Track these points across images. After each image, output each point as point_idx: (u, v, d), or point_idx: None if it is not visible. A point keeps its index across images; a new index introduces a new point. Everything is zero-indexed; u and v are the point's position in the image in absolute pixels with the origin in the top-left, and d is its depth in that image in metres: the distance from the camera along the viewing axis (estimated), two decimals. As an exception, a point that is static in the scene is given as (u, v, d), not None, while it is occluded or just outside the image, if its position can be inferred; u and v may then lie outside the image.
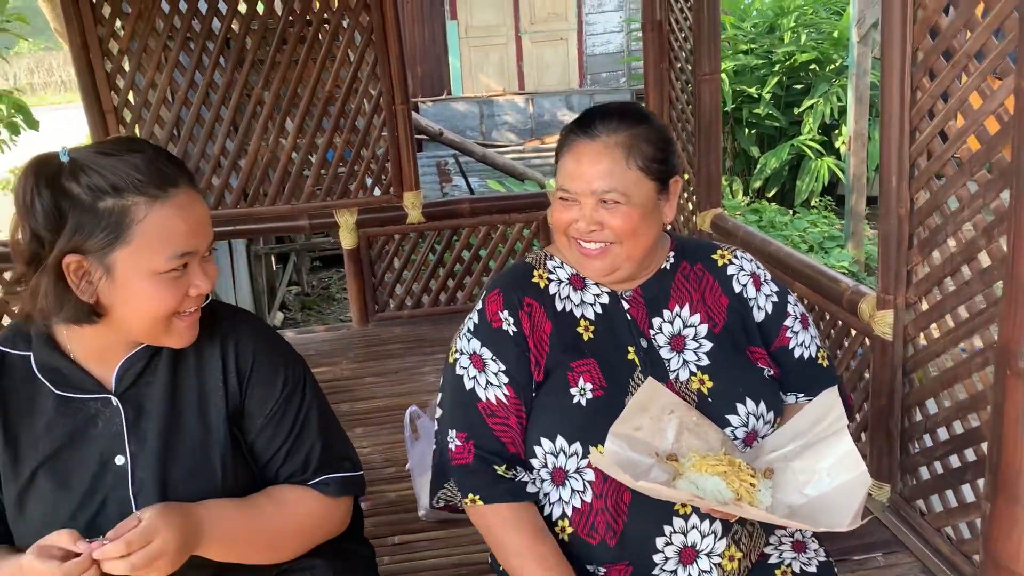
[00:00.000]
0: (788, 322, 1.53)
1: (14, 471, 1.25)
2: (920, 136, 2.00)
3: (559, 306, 1.48)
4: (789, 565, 1.44)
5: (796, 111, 7.90)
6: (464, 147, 7.99)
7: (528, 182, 7.81)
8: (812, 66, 7.93)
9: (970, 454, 1.96)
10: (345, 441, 1.45)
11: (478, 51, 10.55)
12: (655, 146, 1.44)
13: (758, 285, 1.53)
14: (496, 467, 1.42)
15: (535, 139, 9.98)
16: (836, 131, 7.75)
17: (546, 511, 1.44)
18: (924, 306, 2.08)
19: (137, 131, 3.66)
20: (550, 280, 1.50)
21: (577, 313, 1.48)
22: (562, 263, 1.52)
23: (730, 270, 1.54)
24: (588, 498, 1.39)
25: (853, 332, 2.40)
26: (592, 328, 1.47)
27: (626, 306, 1.49)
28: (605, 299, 1.50)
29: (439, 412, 1.51)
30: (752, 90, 7.93)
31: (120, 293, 1.19)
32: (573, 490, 1.41)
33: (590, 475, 1.39)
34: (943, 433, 2.05)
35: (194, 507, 1.22)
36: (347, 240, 3.78)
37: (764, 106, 7.85)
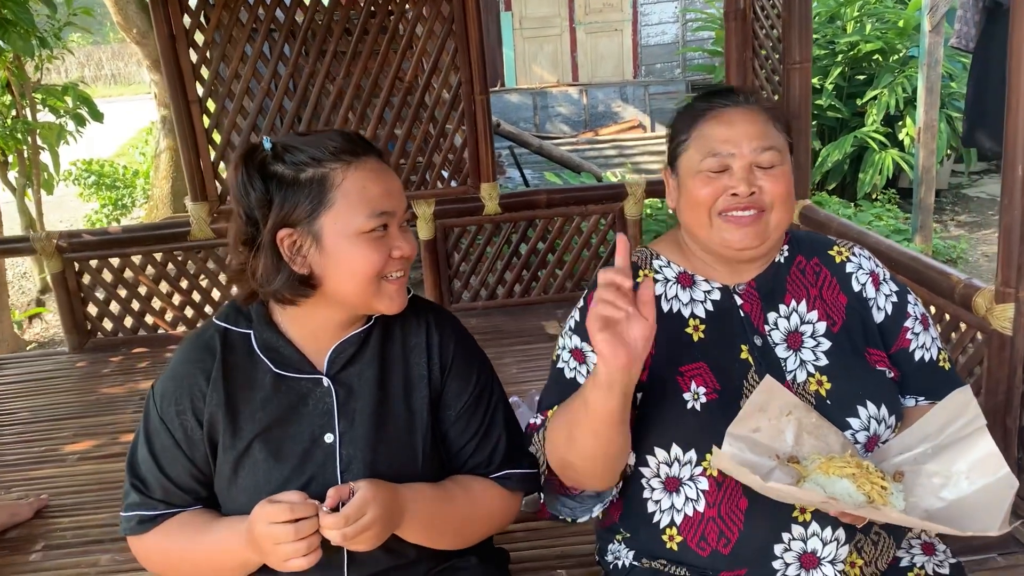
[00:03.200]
0: (908, 323, 1.47)
1: (233, 440, 1.33)
2: (1052, 124, 1.93)
3: (666, 307, 1.44)
4: (922, 567, 1.41)
5: (859, 102, 7.74)
6: (521, 138, 7.97)
7: (584, 174, 7.76)
8: (876, 56, 7.77)
9: (1102, 453, 1.90)
10: (524, 439, 1.48)
11: (532, 42, 10.51)
12: (784, 120, 1.44)
13: (877, 284, 1.48)
14: None
15: (589, 131, 9.92)
16: (900, 123, 7.59)
17: (655, 518, 1.41)
18: (1050, 300, 2.01)
19: (221, 121, 3.70)
20: (656, 280, 1.46)
21: (686, 312, 1.44)
22: (669, 262, 1.48)
23: (848, 268, 1.48)
24: (701, 507, 1.36)
25: (963, 326, 2.34)
26: (703, 328, 1.42)
27: (739, 301, 1.44)
28: (716, 295, 1.45)
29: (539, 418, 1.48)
30: (814, 81, 7.78)
31: (330, 259, 1.28)
32: (687, 498, 1.37)
33: (704, 484, 1.35)
34: (1069, 431, 1.99)
35: (399, 487, 1.29)
36: (424, 231, 3.79)
37: (826, 97, 7.71)
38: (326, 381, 1.36)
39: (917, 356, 1.47)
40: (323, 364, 1.36)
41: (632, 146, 9.31)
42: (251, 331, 1.37)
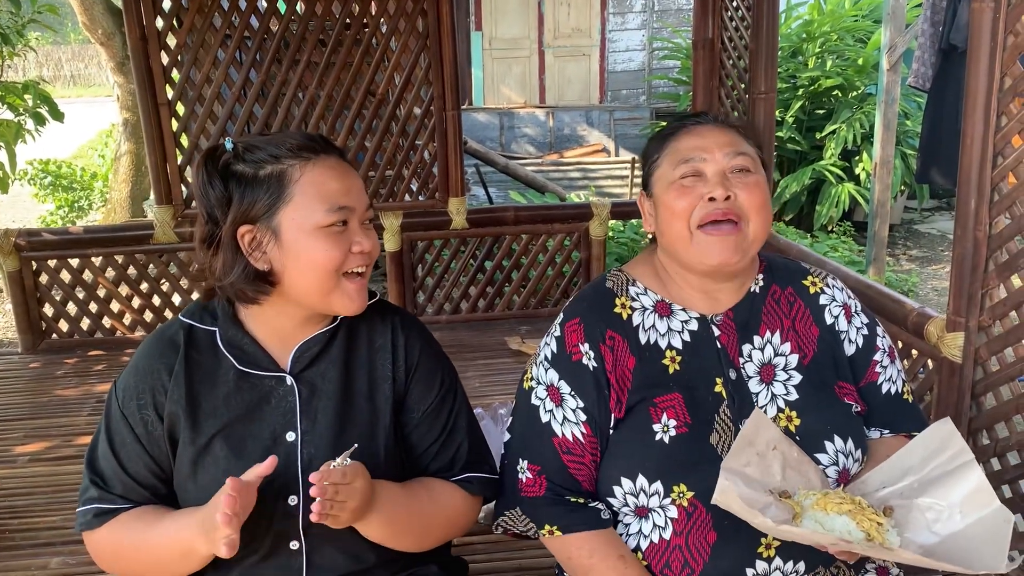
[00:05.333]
0: (878, 356, 1.48)
1: (193, 435, 1.33)
2: (1004, 161, 2.02)
3: (643, 338, 1.42)
4: None
5: (818, 136, 7.93)
6: (487, 157, 8.01)
7: (549, 195, 7.82)
8: (835, 92, 7.98)
9: (1044, 478, 1.98)
10: (486, 445, 1.50)
11: (501, 63, 10.59)
12: (755, 138, 1.46)
13: (849, 317, 1.48)
14: (570, 498, 1.39)
15: (554, 153, 10.01)
16: (856, 157, 7.79)
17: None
18: (998, 329, 2.09)
19: (190, 125, 3.68)
20: (633, 309, 1.44)
21: (663, 344, 1.42)
22: (646, 289, 1.46)
23: (822, 299, 1.49)
24: (667, 535, 1.35)
25: (915, 353, 2.42)
26: (679, 359, 1.41)
27: (716, 332, 1.43)
28: (694, 325, 1.43)
29: (507, 436, 1.48)
30: (776, 113, 7.97)
31: (289, 254, 1.29)
32: (655, 525, 1.37)
33: (673, 512, 1.35)
34: (1014, 457, 2.06)
35: (373, 482, 1.28)
36: (390, 243, 3.80)
37: (787, 130, 7.89)
38: (289, 379, 1.36)
39: (884, 389, 1.48)
40: (287, 362, 1.37)
41: (596, 169, 9.41)
42: (216, 328, 1.37)
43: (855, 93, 7.98)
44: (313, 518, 1.18)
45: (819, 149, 7.95)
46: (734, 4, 3.48)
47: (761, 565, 1.33)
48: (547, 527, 1.38)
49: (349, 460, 1.21)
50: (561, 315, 1.47)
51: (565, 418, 1.39)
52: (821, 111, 8.11)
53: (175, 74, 3.63)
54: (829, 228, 7.89)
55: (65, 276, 3.70)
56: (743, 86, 3.47)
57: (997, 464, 2.12)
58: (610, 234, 6.35)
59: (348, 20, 3.63)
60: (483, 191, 8.21)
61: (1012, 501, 2.06)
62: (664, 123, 9.50)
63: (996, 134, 2.02)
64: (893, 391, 1.49)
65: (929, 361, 2.32)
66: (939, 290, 6.71)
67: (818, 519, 1.24)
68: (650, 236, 1.53)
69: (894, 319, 2.47)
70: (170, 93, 3.60)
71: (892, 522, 1.27)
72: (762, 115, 3.34)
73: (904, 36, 6.13)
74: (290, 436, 1.34)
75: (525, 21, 10.54)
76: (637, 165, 9.25)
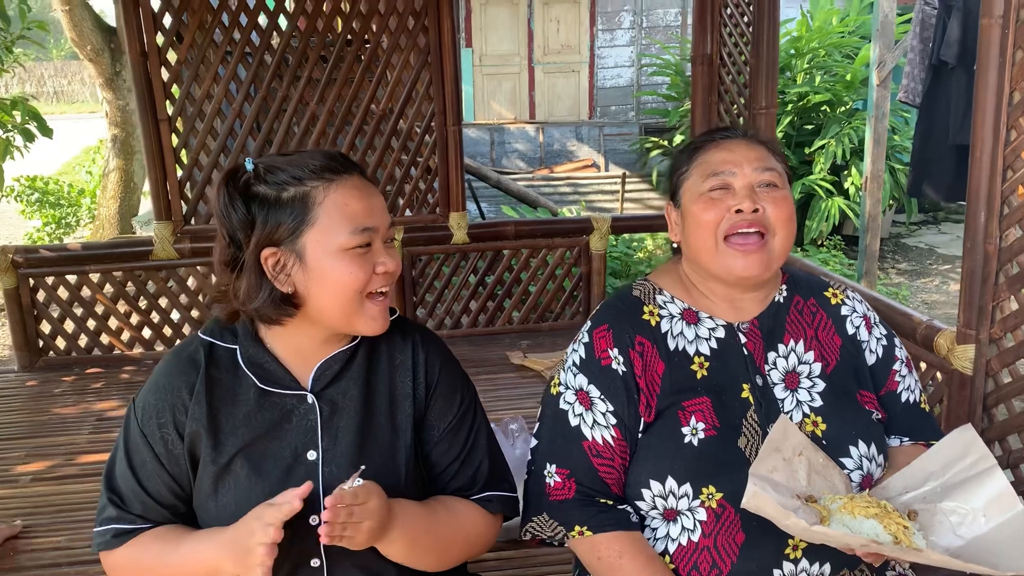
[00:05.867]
0: (896, 366, 1.51)
1: (214, 455, 1.31)
2: (1014, 175, 2.04)
3: (672, 344, 1.44)
4: None
5: (807, 151, 8.01)
6: (479, 172, 8.03)
7: (541, 210, 7.84)
8: (824, 107, 8.07)
9: (1058, 489, 1.99)
10: (505, 463, 1.48)
11: (491, 79, 10.64)
12: (781, 154, 1.49)
13: (870, 328, 1.52)
14: (600, 499, 1.40)
15: (544, 168, 10.05)
16: (845, 172, 7.87)
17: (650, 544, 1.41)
18: (1010, 342, 2.11)
19: (190, 141, 3.66)
20: (661, 317, 1.46)
21: (691, 350, 1.44)
22: (673, 297, 1.48)
23: (844, 311, 1.52)
24: (696, 537, 1.36)
25: (924, 366, 2.43)
26: (707, 365, 1.43)
27: (743, 339, 1.45)
28: (721, 332, 1.46)
29: (534, 442, 1.48)
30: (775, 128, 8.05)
31: (314, 276, 1.28)
32: (683, 527, 1.37)
33: (702, 515, 1.36)
34: (1027, 468, 2.08)
35: (390, 501, 1.27)
36: (391, 258, 3.78)
37: (776, 145, 7.96)
38: (310, 398, 1.34)
39: (904, 398, 1.51)
40: (308, 381, 1.36)
41: (586, 184, 9.45)
42: (237, 346, 1.36)
43: (843, 108, 8.07)
44: (323, 540, 1.17)
45: (808, 164, 8.04)
46: (733, 20, 3.51)
47: (788, 567, 1.34)
48: (577, 528, 1.39)
49: (360, 480, 1.21)
50: (588, 323, 1.49)
51: (595, 422, 1.40)
52: (810, 126, 8.20)
53: (175, 89, 3.62)
54: (819, 242, 7.96)
55: (63, 293, 3.66)
56: (743, 101, 3.50)
57: (1011, 475, 2.13)
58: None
59: (350, 36, 3.64)
60: (475, 206, 8.22)
61: (1026, 512, 2.07)
62: (653, 138, 9.53)
63: (1006, 148, 2.05)
64: (912, 400, 1.52)
65: (938, 373, 2.34)
66: (929, 303, 6.77)
67: (845, 523, 1.25)
68: (674, 246, 1.55)
69: (902, 332, 2.48)
70: (170, 109, 3.58)
71: (917, 526, 1.29)
72: (763, 130, 3.37)
73: (894, 52, 6.21)
74: (311, 455, 1.32)
75: (515, 38, 10.60)
76: (628, 180, 9.30)
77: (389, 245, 1.35)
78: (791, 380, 1.44)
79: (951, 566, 1.20)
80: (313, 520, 1.30)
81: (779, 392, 1.43)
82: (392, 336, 1.41)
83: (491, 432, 1.49)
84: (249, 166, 1.30)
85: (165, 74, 3.55)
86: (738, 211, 1.38)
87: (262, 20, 3.61)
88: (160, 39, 3.53)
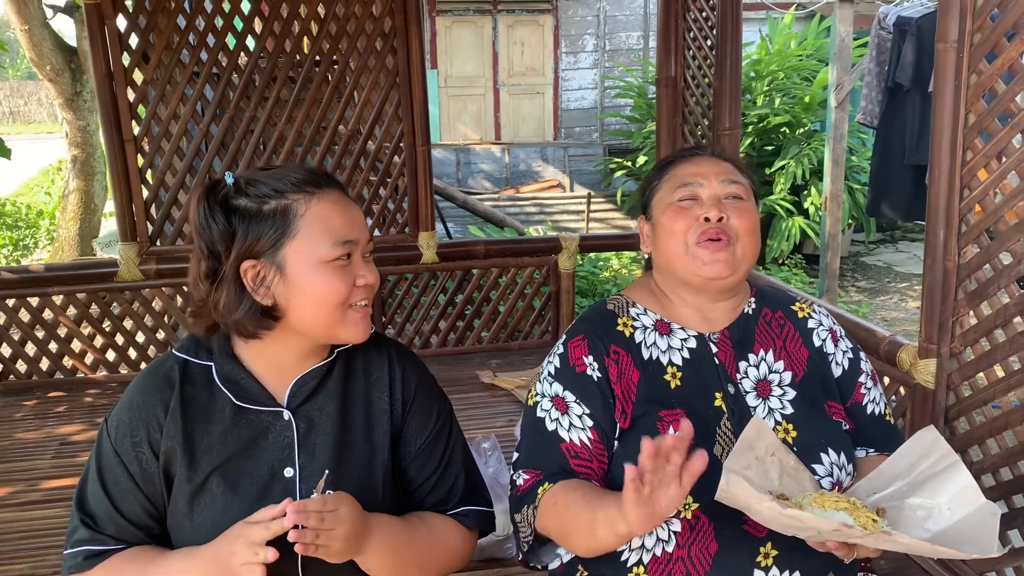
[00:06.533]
0: (862, 378, 1.55)
1: (189, 473, 1.30)
2: (971, 193, 2.11)
3: (646, 354, 1.47)
4: None
5: (767, 171, 8.16)
6: (446, 192, 8.05)
7: (507, 229, 7.87)
8: (784, 129, 8.23)
9: (1020, 500, 2.04)
10: (481, 478, 1.50)
11: (456, 100, 10.70)
12: (748, 172, 1.55)
13: (835, 340, 1.56)
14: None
15: (510, 188, 10.10)
16: (805, 192, 8.02)
17: (623, 556, 1.42)
18: (970, 356, 2.17)
19: (156, 161, 3.63)
20: (635, 328, 1.50)
21: (664, 360, 1.47)
22: (646, 310, 1.53)
23: (810, 323, 1.56)
24: (670, 548, 1.38)
25: (887, 380, 2.49)
26: (679, 375, 1.46)
27: (714, 349, 1.49)
28: (693, 343, 1.49)
29: (515, 456, 1.49)
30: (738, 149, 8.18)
31: (294, 289, 1.28)
32: (658, 538, 1.39)
33: (676, 525, 1.38)
34: (988, 480, 2.12)
35: (366, 513, 1.27)
36: (360, 278, 3.78)
37: (738, 165, 8.09)
38: (287, 414, 1.34)
39: (869, 410, 1.55)
40: (284, 397, 1.35)
41: (552, 204, 9.51)
42: (212, 363, 1.35)
43: (802, 129, 8.24)
44: (298, 550, 1.16)
45: (769, 184, 8.18)
46: (696, 44, 3.58)
47: (759, 574, 1.36)
48: (539, 490, 1.38)
49: (330, 491, 1.21)
50: (563, 336, 1.51)
51: (572, 424, 1.42)
52: (770, 147, 8.36)
53: (141, 110, 3.59)
54: (780, 261, 8.09)
55: (23, 315, 3.60)
56: (706, 122, 3.57)
57: (972, 486, 2.18)
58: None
59: (318, 57, 3.64)
60: (442, 226, 8.23)
61: (988, 522, 2.12)
62: (617, 159, 9.59)
63: (963, 168, 2.11)
64: (877, 412, 1.56)
65: (901, 388, 2.39)
66: (888, 320, 6.91)
67: (817, 515, 1.26)
68: (645, 257, 1.60)
69: (866, 347, 2.52)
70: (136, 129, 3.55)
71: (886, 521, 1.32)
72: (728, 150, 3.43)
73: (851, 75, 6.37)
74: (288, 472, 1.32)
75: (480, 60, 10.69)
76: (593, 200, 9.38)
77: (368, 259, 1.36)
78: (763, 388, 1.48)
79: (919, 550, 1.23)
80: (291, 537, 1.30)
81: (751, 400, 1.46)
82: (368, 351, 1.42)
83: (467, 447, 1.50)
84: (229, 180, 1.31)
85: (131, 94, 3.52)
86: (706, 219, 1.45)
87: (230, 40, 3.60)
88: (126, 59, 3.50)
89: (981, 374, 2.14)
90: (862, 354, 1.59)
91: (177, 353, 1.37)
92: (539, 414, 1.45)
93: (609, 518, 1.21)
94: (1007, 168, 1.99)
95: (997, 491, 2.09)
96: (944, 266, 2.19)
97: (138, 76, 3.57)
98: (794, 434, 1.44)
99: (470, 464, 1.48)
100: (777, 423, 1.44)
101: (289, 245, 1.27)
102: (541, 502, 1.37)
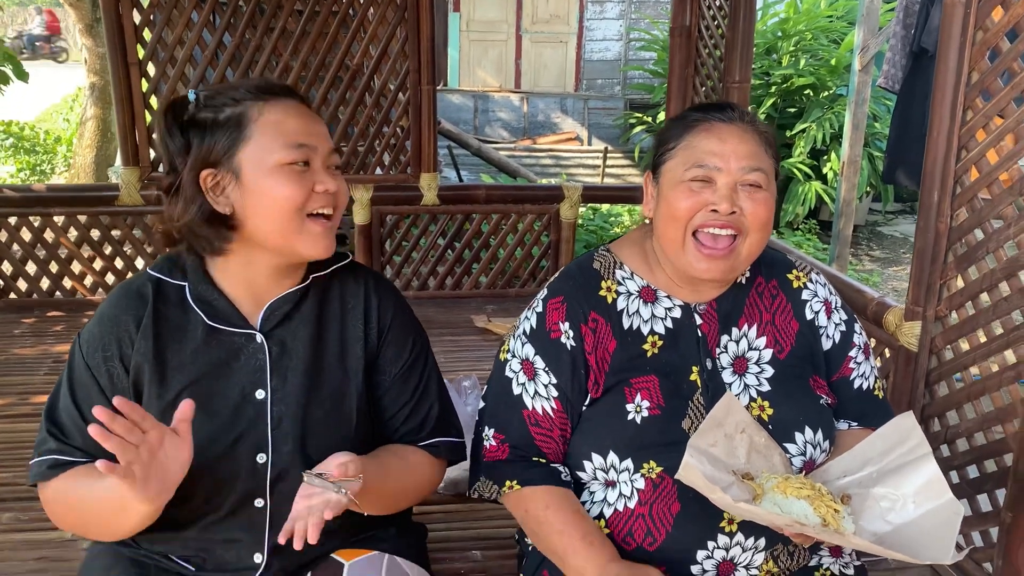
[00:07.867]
0: (852, 352, 1.51)
1: (160, 390, 1.31)
2: (967, 155, 2.06)
3: (626, 323, 1.43)
4: (828, 569, 1.46)
5: (788, 134, 8.03)
6: (461, 139, 7.99)
7: (520, 180, 7.84)
8: (807, 91, 8.08)
9: (990, 465, 2.03)
10: (454, 410, 1.51)
11: (477, 45, 10.57)
12: (774, 146, 1.42)
13: (829, 313, 1.51)
14: (532, 458, 1.42)
15: (527, 138, 10.02)
16: (825, 157, 7.90)
17: (586, 508, 1.42)
18: (955, 319, 2.14)
19: (160, 87, 3.62)
20: (619, 294, 1.44)
21: (645, 329, 1.43)
22: (632, 273, 1.46)
23: (804, 295, 1.51)
24: (632, 504, 1.38)
25: (873, 342, 2.47)
26: (660, 344, 1.42)
27: (698, 320, 1.44)
28: (677, 313, 1.44)
29: (482, 404, 1.50)
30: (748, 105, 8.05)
31: (251, 194, 1.27)
32: (620, 494, 1.39)
33: (640, 483, 1.37)
34: (963, 444, 2.11)
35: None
36: (360, 216, 3.78)
37: (758, 126, 7.97)
38: (259, 337, 1.35)
39: (856, 384, 1.52)
40: (257, 320, 1.36)
41: (568, 157, 9.44)
42: (186, 283, 1.36)
43: (827, 93, 8.09)
44: (296, 544, 1.17)
45: (788, 147, 8.06)
46: (713, -7, 3.50)
47: (723, 539, 1.36)
48: (507, 483, 1.40)
49: (320, 473, 1.21)
50: (544, 291, 1.48)
51: (536, 392, 1.41)
52: (792, 109, 8.22)
53: (147, 34, 3.57)
54: (795, 225, 8.01)
55: (25, 235, 3.63)
56: (717, 75, 3.50)
57: (947, 451, 2.17)
58: (579, 221, 6.38)
59: (326, -12, 3.60)
60: (455, 173, 8.19)
61: (959, 487, 2.11)
62: (637, 114, 9.45)
63: (961, 128, 2.06)
64: (865, 387, 1.52)
65: (887, 350, 2.37)
66: (899, 291, 6.85)
67: (777, 502, 1.27)
68: (647, 219, 1.50)
69: (855, 308, 2.50)
70: (141, 53, 3.54)
71: (848, 510, 1.31)
72: (737, 103, 3.37)
73: (877, 38, 6.21)
74: (260, 394, 1.33)
75: (503, 4, 10.53)
76: (609, 154, 9.29)
77: (332, 170, 1.34)
78: (739, 365, 1.44)
79: (872, 551, 1.22)
80: (261, 458, 1.31)
81: (727, 376, 1.43)
82: (345, 279, 1.42)
83: (441, 379, 1.51)
84: (192, 96, 1.31)
85: (137, 17, 3.49)
86: (714, 210, 1.34)
87: (238, -33, 3.56)
88: (133, -19, 3.47)
89: (963, 339, 2.12)
90: (857, 326, 1.54)
91: (151, 272, 1.38)
92: (507, 374, 1.45)
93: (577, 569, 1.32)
94: (1004, 130, 1.94)
95: (971, 455, 2.08)
96: (936, 228, 2.15)
97: (145, 0, 3.54)
98: (770, 411, 1.41)
99: (444, 396, 1.49)
100: (752, 399, 1.41)
101: (243, 150, 1.27)
102: (506, 496, 1.42)
